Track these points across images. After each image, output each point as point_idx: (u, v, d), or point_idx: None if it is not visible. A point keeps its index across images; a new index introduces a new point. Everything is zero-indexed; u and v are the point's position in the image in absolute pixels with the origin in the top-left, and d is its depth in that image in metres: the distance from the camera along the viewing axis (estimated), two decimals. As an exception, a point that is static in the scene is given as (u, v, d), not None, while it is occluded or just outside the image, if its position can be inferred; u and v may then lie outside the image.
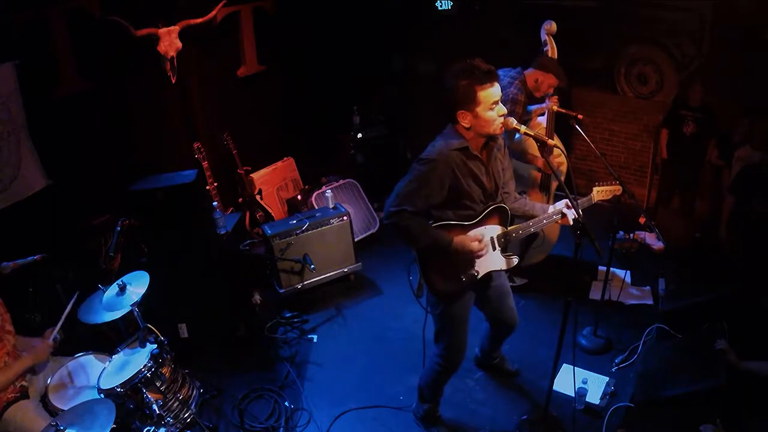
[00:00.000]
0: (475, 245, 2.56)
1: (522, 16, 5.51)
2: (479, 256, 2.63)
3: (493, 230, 2.68)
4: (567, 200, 2.62)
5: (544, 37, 3.65)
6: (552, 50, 3.65)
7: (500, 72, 2.46)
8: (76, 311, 3.13)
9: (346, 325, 4.27)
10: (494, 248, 2.71)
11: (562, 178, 3.56)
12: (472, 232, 2.61)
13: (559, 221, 2.69)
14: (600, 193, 2.92)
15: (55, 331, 2.88)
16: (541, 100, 3.88)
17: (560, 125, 3.86)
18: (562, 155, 3.54)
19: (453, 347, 2.89)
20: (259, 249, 4.82)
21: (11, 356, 2.72)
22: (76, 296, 3.04)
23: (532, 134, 2.50)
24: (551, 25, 3.62)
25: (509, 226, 2.73)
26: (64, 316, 2.93)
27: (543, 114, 3.97)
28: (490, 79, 2.37)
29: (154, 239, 3.77)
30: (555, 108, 3.76)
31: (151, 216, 3.62)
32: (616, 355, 3.71)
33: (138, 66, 4.20)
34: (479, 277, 2.70)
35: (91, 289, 3.21)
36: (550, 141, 2.52)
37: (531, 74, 3.75)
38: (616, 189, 2.95)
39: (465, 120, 2.44)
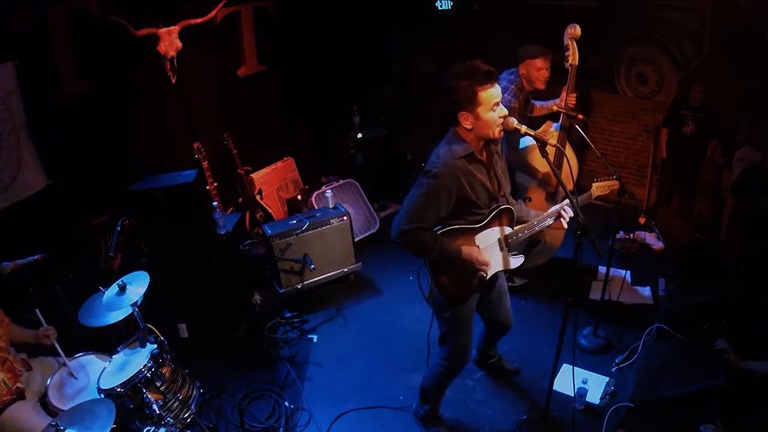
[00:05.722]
0: (482, 258, 2.59)
1: (522, 16, 5.52)
2: (484, 268, 2.64)
3: (499, 231, 2.69)
4: (567, 201, 2.63)
5: (566, 41, 3.51)
6: (573, 55, 3.53)
7: (500, 75, 2.47)
8: (77, 314, 3.13)
9: (346, 325, 4.27)
10: (501, 249, 2.72)
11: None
12: (480, 240, 2.62)
13: (556, 222, 2.69)
14: (599, 188, 2.95)
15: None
16: (552, 95, 3.81)
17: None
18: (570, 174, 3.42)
19: (459, 350, 2.90)
20: (259, 249, 4.82)
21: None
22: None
23: (533, 134, 2.49)
24: (575, 29, 3.45)
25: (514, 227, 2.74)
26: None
27: (552, 117, 3.94)
28: (490, 80, 2.37)
29: (154, 239, 3.77)
30: (554, 108, 3.74)
31: (151, 216, 3.62)
32: (616, 355, 3.71)
33: (138, 66, 4.20)
34: (487, 278, 2.71)
35: (91, 289, 3.21)
36: (550, 141, 2.50)
37: (521, 72, 3.73)
38: (612, 184, 2.97)
39: (467, 122, 2.44)
